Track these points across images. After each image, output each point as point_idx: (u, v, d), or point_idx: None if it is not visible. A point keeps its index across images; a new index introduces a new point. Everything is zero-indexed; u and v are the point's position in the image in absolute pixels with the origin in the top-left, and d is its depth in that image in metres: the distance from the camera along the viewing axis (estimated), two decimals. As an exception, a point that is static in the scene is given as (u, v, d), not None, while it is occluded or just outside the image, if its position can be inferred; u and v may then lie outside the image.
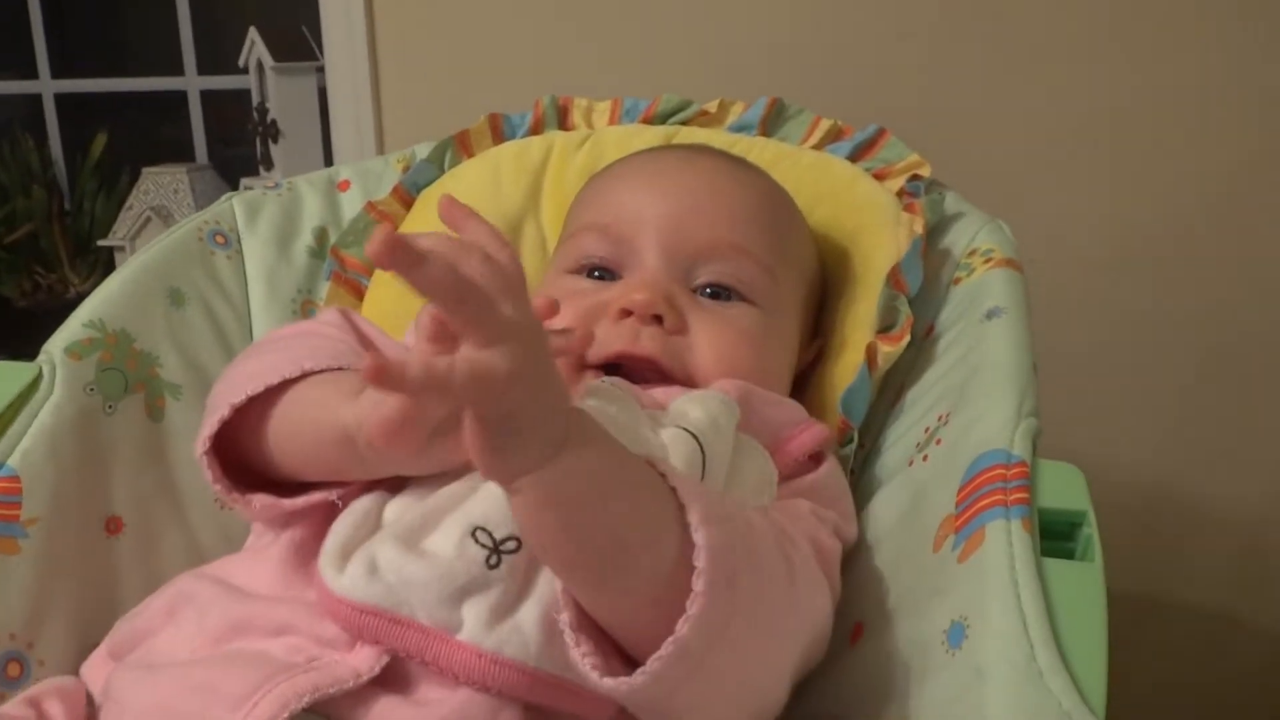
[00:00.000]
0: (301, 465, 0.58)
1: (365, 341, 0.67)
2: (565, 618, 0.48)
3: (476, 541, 0.51)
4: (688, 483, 0.48)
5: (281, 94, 1.76)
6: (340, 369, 0.57)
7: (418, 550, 0.52)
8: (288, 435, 0.57)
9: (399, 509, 0.55)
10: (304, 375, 0.57)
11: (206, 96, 2.14)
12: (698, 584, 0.45)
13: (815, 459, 0.67)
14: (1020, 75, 1.29)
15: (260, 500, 0.58)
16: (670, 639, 0.45)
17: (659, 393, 0.64)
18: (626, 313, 0.67)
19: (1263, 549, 1.38)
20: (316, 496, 0.57)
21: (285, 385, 0.57)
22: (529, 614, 0.51)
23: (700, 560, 0.45)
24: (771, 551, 0.51)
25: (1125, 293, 1.32)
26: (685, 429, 0.57)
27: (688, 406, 0.60)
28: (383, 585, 0.50)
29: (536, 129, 0.93)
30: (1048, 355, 1.27)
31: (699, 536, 0.45)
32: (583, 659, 0.47)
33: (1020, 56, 1.28)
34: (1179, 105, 1.26)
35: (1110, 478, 1.37)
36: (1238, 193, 1.27)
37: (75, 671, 0.64)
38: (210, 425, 0.57)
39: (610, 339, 0.67)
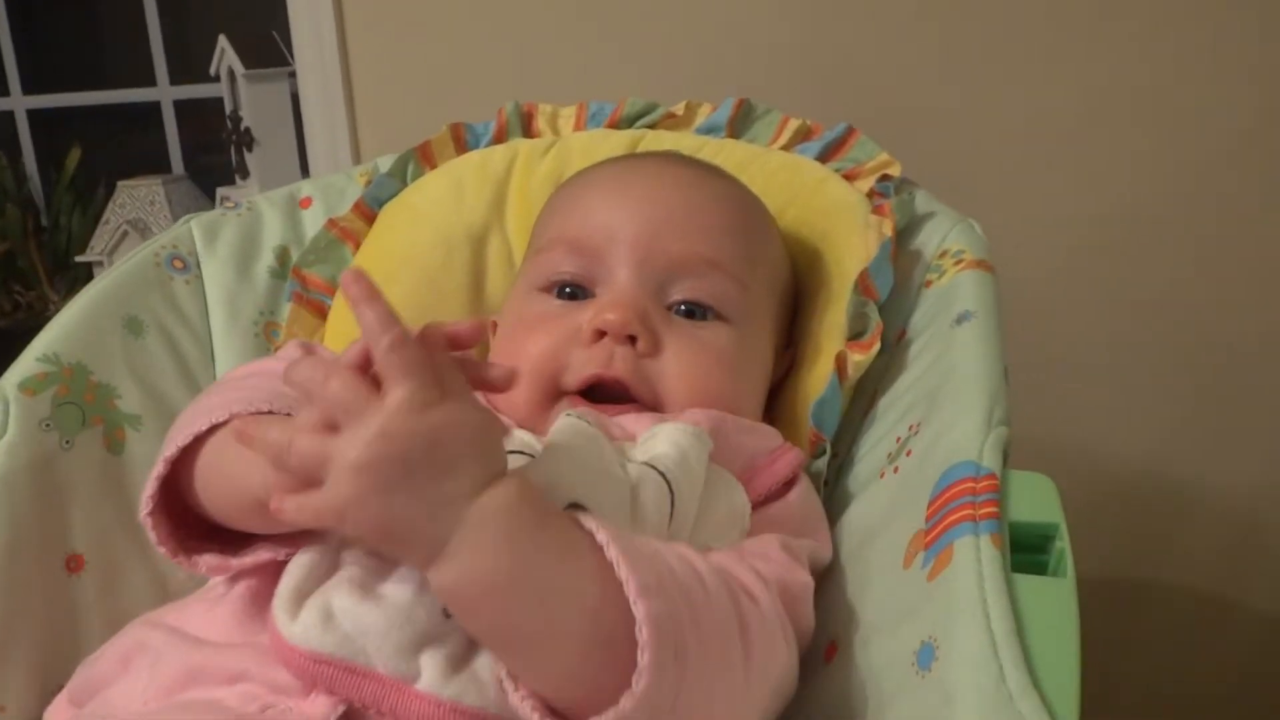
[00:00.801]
0: (234, 520, 0.56)
1: None
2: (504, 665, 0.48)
3: None
4: (631, 550, 0.46)
5: (254, 101, 1.74)
6: (271, 412, 0.55)
7: (375, 596, 0.50)
8: (214, 493, 0.56)
9: (356, 552, 0.53)
10: (231, 419, 0.56)
11: (180, 106, 2.12)
12: (642, 658, 0.44)
13: (788, 483, 0.66)
14: (989, 69, 1.28)
15: (207, 561, 0.57)
16: (612, 710, 0.43)
17: (629, 420, 0.63)
18: (600, 334, 0.66)
19: (1254, 535, 1.38)
20: (264, 555, 0.55)
21: (216, 430, 0.56)
22: (485, 662, 0.49)
23: (643, 634, 0.44)
24: (724, 614, 0.50)
25: (1115, 281, 1.31)
26: (653, 467, 0.56)
27: (657, 441, 0.59)
28: (338, 634, 0.49)
29: (500, 137, 0.92)
30: (1039, 346, 1.28)
31: (639, 609, 0.44)
32: (521, 702, 0.47)
33: (990, 51, 1.27)
34: (1156, 93, 1.25)
35: (1103, 465, 1.37)
36: (1224, 179, 1.26)
37: (39, 718, 0.63)
38: (150, 486, 0.56)
39: (585, 363, 0.66)
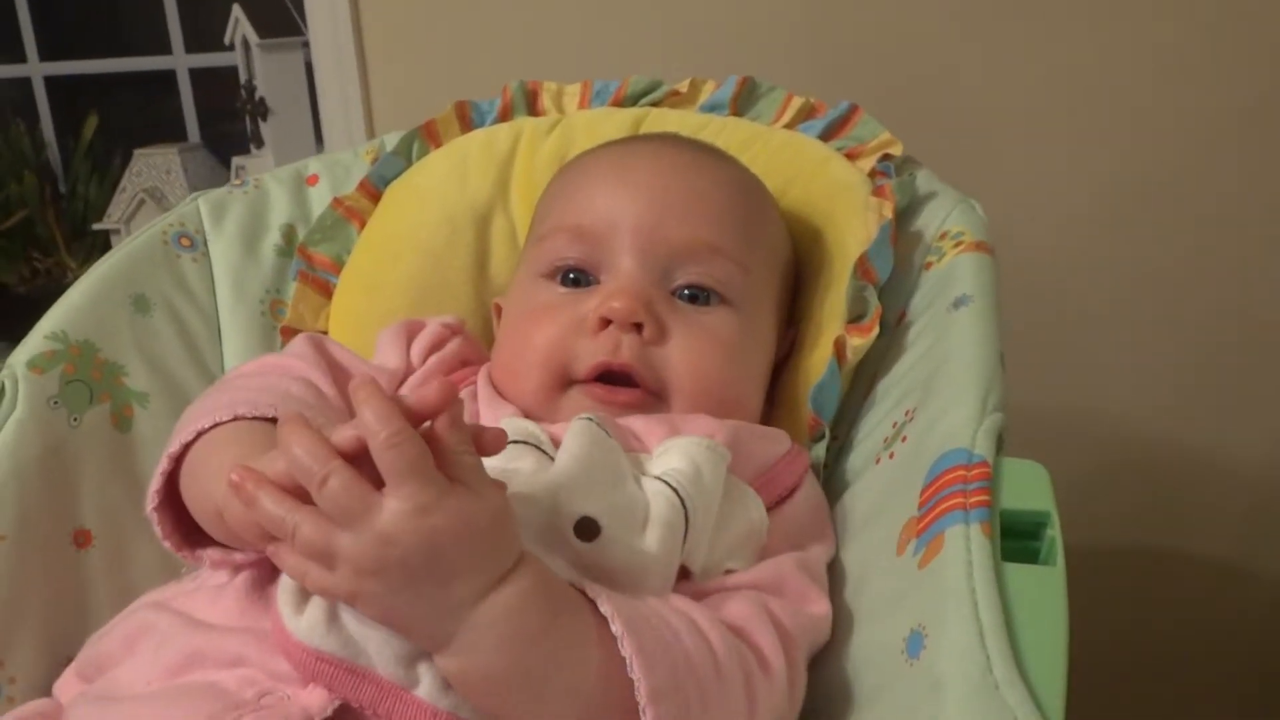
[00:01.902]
0: (203, 524, 0.57)
1: (336, 370, 0.67)
2: None
3: None
4: (646, 644, 0.47)
5: (268, 71, 1.73)
6: (274, 419, 0.56)
7: None
8: (190, 494, 0.57)
9: None
10: (235, 419, 0.56)
11: (197, 74, 2.12)
12: None
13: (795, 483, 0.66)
14: (997, 42, 1.26)
15: (210, 556, 0.57)
16: None
17: (642, 429, 0.63)
18: (606, 322, 0.66)
19: (1271, 502, 1.37)
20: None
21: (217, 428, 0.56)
22: None
23: None
24: (734, 694, 0.51)
25: (1133, 248, 1.31)
26: (667, 483, 0.56)
27: (672, 455, 0.59)
28: (342, 635, 0.49)
29: (505, 115, 0.91)
30: (1052, 313, 1.28)
31: (647, 717, 0.46)
32: None
33: (998, 24, 1.25)
34: (1163, 62, 1.24)
35: (1120, 432, 1.37)
36: (1234, 145, 1.25)
37: (47, 688, 0.64)
38: (156, 481, 0.57)
39: (593, 351, 0.66)
